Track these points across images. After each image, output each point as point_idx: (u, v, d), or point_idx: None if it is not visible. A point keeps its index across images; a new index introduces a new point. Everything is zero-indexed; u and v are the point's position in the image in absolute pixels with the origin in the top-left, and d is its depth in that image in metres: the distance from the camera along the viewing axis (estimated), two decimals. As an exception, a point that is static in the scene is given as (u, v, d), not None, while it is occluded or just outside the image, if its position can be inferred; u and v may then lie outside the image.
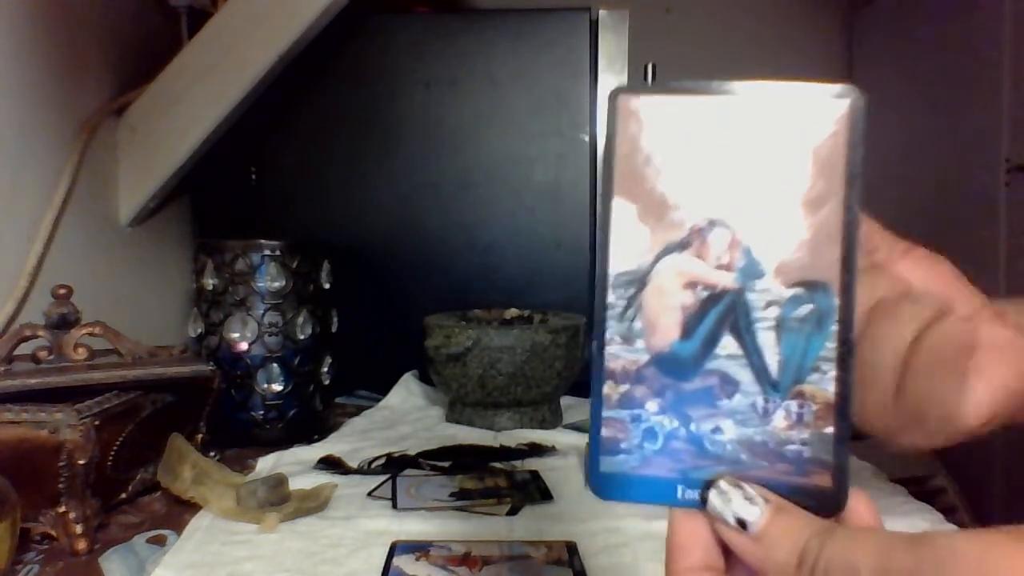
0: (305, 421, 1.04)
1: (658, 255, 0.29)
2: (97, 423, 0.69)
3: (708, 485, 0.28)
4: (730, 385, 0.28)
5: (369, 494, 0.79)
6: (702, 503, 0.28)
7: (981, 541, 0.23)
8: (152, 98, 1.13)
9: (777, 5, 2.10)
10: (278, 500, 0.74)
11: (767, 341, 0.28)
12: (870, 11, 2.02)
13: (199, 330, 1.03)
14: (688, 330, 0.29)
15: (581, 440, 0.96)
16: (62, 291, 0.79)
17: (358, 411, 1.14)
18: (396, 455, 0.90)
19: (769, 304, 0.28)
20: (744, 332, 0.28)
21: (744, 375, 0.28)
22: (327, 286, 1.09)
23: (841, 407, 0.28)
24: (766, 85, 0.28)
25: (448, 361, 1.02)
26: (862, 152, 0.28)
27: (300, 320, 1.02)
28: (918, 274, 0.33)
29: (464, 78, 1.27)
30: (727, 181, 0.28)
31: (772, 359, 0.28)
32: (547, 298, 1.24)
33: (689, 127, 0.28)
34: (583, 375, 1.10)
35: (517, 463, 0.89)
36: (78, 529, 0.68)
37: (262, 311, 1.00)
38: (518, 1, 1.42)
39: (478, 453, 0.92)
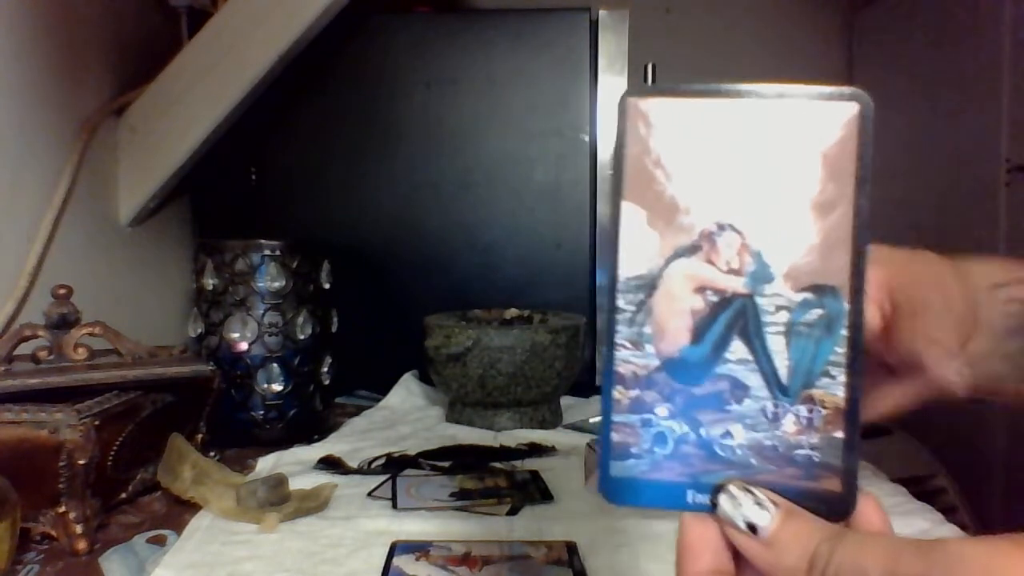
0: (305, 421, 1.04)
1: (668, 259, 0.28)
2: (97, 423, 0.69)
3: (718, 489, 0.28)
4: (740, 390, 0.28)
5: (369, 494, 0.79)
6: (712, 507, 0.28)
7: (989, 547, 0.23)
8: (152, 98, 1.13)
9: (777, 5, 2.10)
10: (278, 500, 0.74)
11: (777, 346, 0.28)
12: (870, 11, 2.02)
13: (199, 330, 1.03)
14: (698, 335, 0.29)
15: (581, 440, 0.96)
16: (62, 291, 0.79)
17: (358, 411, 1.14)
18: (396, 455, 0.90)
19: (779, 309, 0.28)
20: (754, 337, 0.28)
21: (754, 380, 0.28)
22: (327, 286, 1.09)
23: (850, 411, 0.28)
24: (775, 88, 0.28)
25: (448, 361, 1.02)
26: (871, 155, 0.27)
27: (300, 320, 1.02)
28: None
29: (464, 78, 1.27)
30: (737, 185, 0.28)
31: (782, 364, 0.28)
32: (547, 298, 1.24)
33: (699, 130, 0.28)
34: (583, 375, 1.10)
35: (517, 463, 0.89)
36: (78, 529, 0.68)
37: (262, 311, 1.00)
38: (518, 1, 1.42)
39: (478, 453, 0.92)
